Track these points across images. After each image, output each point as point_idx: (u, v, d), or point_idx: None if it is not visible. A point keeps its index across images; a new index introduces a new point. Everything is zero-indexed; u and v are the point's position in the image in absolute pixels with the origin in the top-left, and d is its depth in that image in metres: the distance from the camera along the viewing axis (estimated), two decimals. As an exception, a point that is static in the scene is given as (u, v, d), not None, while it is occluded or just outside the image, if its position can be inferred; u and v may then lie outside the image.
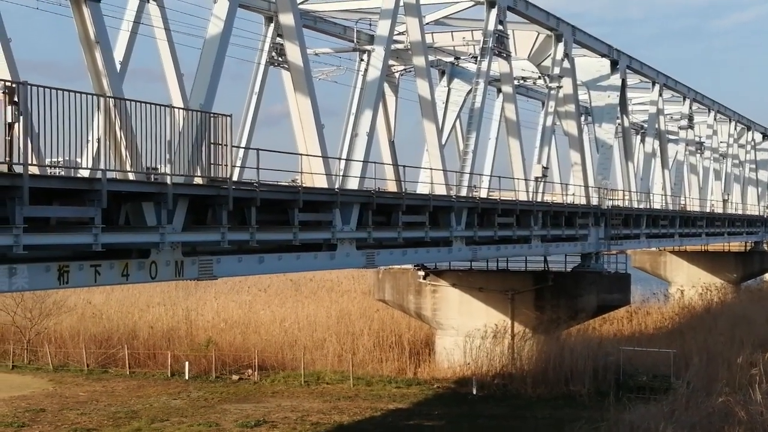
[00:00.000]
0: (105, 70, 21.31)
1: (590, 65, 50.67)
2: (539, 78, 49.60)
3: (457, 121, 48.57)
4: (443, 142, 38.46)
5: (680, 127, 67.42)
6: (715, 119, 74.71)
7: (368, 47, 39.27)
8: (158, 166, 20.19)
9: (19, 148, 16.74)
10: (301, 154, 27.80)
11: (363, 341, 49.03)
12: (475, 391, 41.78)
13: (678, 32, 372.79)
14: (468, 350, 45.14)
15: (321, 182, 27.26)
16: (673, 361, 41.90)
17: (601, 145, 51.23)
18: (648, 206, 57.95)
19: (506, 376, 43.27)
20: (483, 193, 39.38)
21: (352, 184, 29.23)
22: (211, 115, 21.48)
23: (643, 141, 68.40)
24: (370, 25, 40.85)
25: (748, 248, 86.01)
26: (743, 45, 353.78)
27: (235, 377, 46.02)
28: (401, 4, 31.71)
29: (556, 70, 43.85)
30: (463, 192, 35.58)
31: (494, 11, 37.19)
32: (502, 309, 46.01)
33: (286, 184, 26.85)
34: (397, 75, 46.27)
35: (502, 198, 38.15)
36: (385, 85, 39.43)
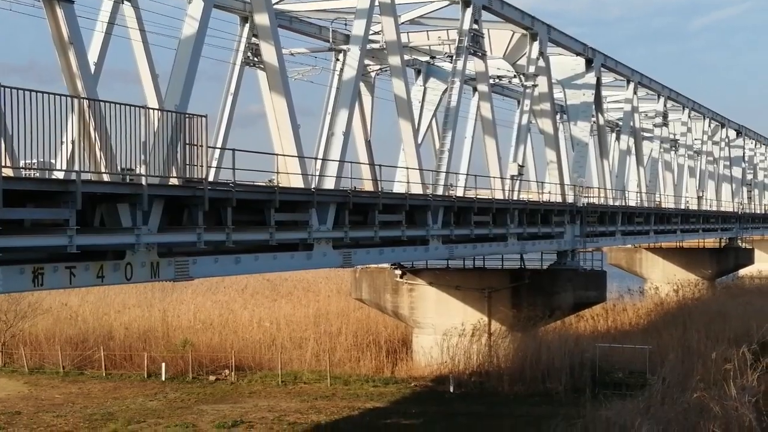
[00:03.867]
0: (79, 71, 21.24)
1: (565, 64, 50.88)
2: (514, 77, 49.75)
3: (433, 120, 48.66)
4: (419, 141, 38.54)
5: (655, 125, 67.78)
6: (689, 117, 75.15)
7: (344, 47, 39.28)
8: (133, 167, 20.15)
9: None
10: (277, 154, 27.81)
11: (340, 341, 49.04)
12: (452, 390, 41.85)
13: (656, 31, 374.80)
14: (445, 348, 45.21)
15: (297, 182, 27.28)
16: (648, 357, 42.15)
17: (576, 143, 51.44)
18: (623, 203, 58.26)
19: (483, 374, 43.37)
20: (459, 192, 39.45)
21: (329, 183, 29.27)
22: (186, 115, 21.44)
23: (618, 139, 68.72)
24: (346, 24, 40.87)
25: (723, 245, 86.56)
26: (719, 44, 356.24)
27: (212, 378, 45.89)
28: (376, 3, 31.79)
29: (532, 69, 44.01)
30: (440, 191, 35.67)
31: (469, 10, 37.28)
32: (479, 307, 46.13)
33: (263, 184, 26.85)
34: (372, 74, 46.30)
35: (478, 196, 38.26)
36: (361, 84, 39.45)
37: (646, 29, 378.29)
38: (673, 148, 72.81)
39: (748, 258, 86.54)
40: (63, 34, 20.83)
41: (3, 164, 16.88)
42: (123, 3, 29.35)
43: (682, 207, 71.70)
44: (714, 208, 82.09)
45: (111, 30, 28.09)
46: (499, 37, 45.05)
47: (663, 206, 67.24)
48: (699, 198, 78.05)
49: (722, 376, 31.05)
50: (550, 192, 46.85)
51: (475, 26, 37.83)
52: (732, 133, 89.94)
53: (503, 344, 44.86)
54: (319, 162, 30.49)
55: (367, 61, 41.73)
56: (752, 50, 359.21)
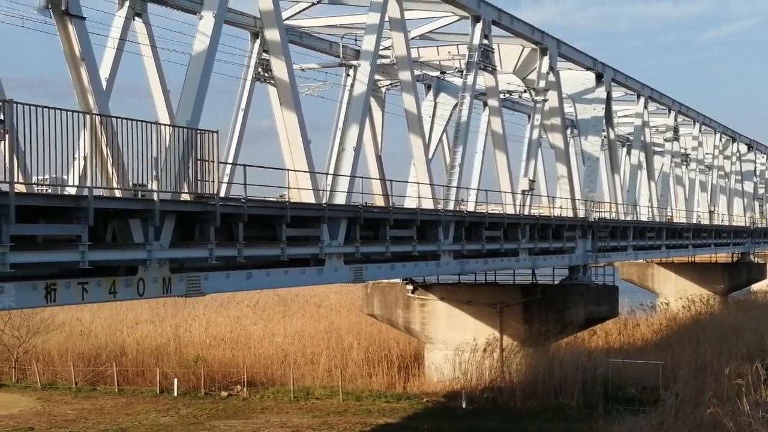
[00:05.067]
0: (91, 87, 21.31)
1: (575, 78, 50.83)
2: (525, 91, 49.78)
3: (444, 134, 48.69)
4: (430, 156, 38.54)
5: (666, 139, 67.66)
6: (700, 131, 74.95)
7: (354, 62, 39.35)
8: (145, 183, 20.19)
9: (5, 166, 16.72)
10: (288, 170, 27.80)
11: (352, 356, 48.98)
12: (464, 405, 41.74)
13: (665, 45, 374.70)
14: (457, 364, 45.12)
15: (308, 197, 27.27)
16: (661, 372, 41.96)
17: (587, 157, 51.38)
18: (635, 218, 58.12)
19: (496, 389, 43.27)
20: (470, 207, 39.42)
21: (340, 198, 29.26)
22: (198, 131, 21.48)
23: (629, 153, 68.55)
24: (356, 40, 40.98)
25: (735, 259, 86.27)
26: (728, 57, 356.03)
27: (224, 393, 45.89)
28: (387, 19, 31.81)
29: (542, 84, 44.02)
30: (451, 206, 35.64)
31: (479, 26, 37.32)
32: (491, 322, 46.03)
33: (274, 199, 26.88)
34: (383, 90, 46.40)
35: (489, 211, 38.24)
36: (372, 99, 39.50)
37: (655, 42, 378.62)
38: (685, 163, 72.61)
39: (760, 272, 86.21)
40: (75, 50, 20.90)
41: (15, 180, 16.92)
42: (134, 19, 29.53)
43: (694, 222, 71.48)
44: (726, 223, 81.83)
45: (122, 46, 28.23)
46: (509, 51, 45.08)
47: (675, 221, 67.04)
48: (711, 213, 77.80)
49: (735, 392, 30.87)
50: (561, 207, 46.79)
51: (485, 41, 37.85)
52: (743, 147, 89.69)
53: (515, 359, 44.76)
54: (330, 177, 30.50)
55: (377, 77, 41.81)
56: (764, 62, 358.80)
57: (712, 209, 78.94)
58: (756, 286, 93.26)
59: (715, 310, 71.90)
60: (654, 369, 42.87)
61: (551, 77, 44.64)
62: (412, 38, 39.03)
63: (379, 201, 38.79)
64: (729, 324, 56.92)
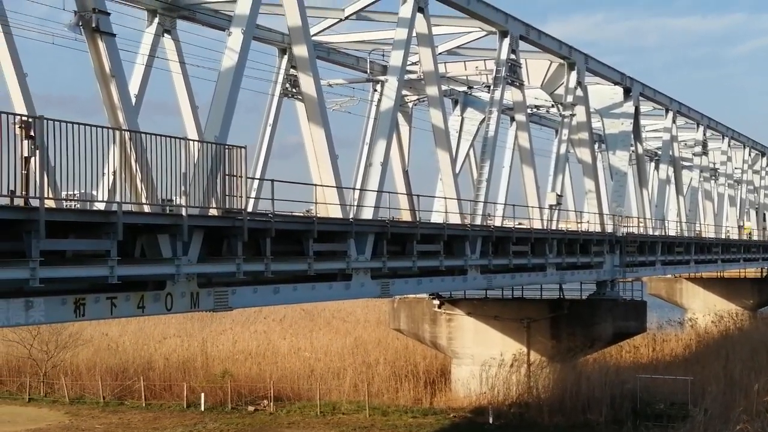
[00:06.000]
0: (120, 103, 21.46)
1: (603, 93, 50.70)
2: (552, 106, 49.68)
3: (471, 149, 48.65)
4: (457, 171, 38.52)
5: (694, 154, 67.29)
6: (729, 145, 74.55)
7: (381, 78, 39.38)
8: (173, 198, 20.29)
9: (35, 181, 16.86)
10: (315, 185, 27.87)
11: (378, 371, 48.91)
12: (491, 421, 41.59)
13: (694, 59, 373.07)
14: (484, 379, 44.96)
15: (335, 212, 27.30)
16: (690, 388, 41.66)
17: (615, 172, 51.20)
18: (663, 233, 57.80)
19: (523, 405, 43.07)
20: (497, 222, 39.34)
21: (367, 213, 29.27)
22: (226, 146, 21.58)
23: (657, 168, 68.28)
24: (383, 55, 41.04)
25: (765, 274, 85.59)
26: (757, 71, 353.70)
27: (250, 408, 45.92)
28: (414, 34, 31.85)
29: (569, 98, 43.94)
30: (478, 220, 35.59)
31: (507, 41, 37.33)
32: (518, 337, 45.87)
33: (301, 214, 26.93)
34: (410, 105, 46.44)
35: (516, 226, 38.12)
36: (399, 114, 39.54)
37: (684, 56, 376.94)
38: (713, 177, 72.22)
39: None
40: (105, 66, 21.06)
41: (45, 195, 17.05)
42: (164, 36, 29.75)
43: (723, 236, 71.00)
44: (755, 238, 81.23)
45: (152, 62, 28.43)
46: (536, 66, 45.05)
47: (703, 236, 66.64)
48: (740, 227, 77.18)
49: (765, 408, 30.67)
50: (588, 221, 46.62)
51: (513, 56, 37.85)
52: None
53: (543, 375, 44.55)
54: (357, 192, 30.54)
55: (404, 92, 41.83)
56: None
57: (741, 224, 78.37)
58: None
59: (744, 326, 71.32)
60: (683, 385, 42.56)
61: (579, 92, 44.56)
62: (440, 53, 39.04)
63: (406, 216, 38.79)
64: (758, 339, 56.46)
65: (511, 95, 39.39)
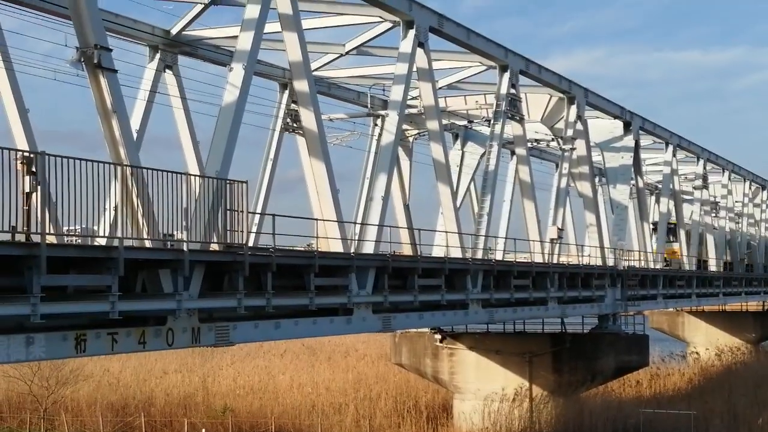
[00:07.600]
0: (122, 138, 21.49)
1: (603, 127, 50.83)
2: (552, 140, 49.76)
3: (472, 183, 48.69)
4: (458, 205, 38.53)
5: (695, 187, 67.36)
6: (729, 179, 74.64)
7: (382, 112, 39.53)
8: (174, 233, 20.28)
9: (36, 217, 16.86)
10: (316, 219, 27.88)
11: (380, 406, 48.69)
12: (494, 456, 41.35)
13: (697, 93, 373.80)
14: (486, 414, 44.72)
15: (336, 247, 27.28)
16: (693, 423, 41.44)
17: (615, 206, 51.22)
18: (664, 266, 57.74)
19: (525, 439, 42.85)
20: (498, 256, 39.31)
21: (368, 248, 29.25)
22: (227, 181, 21.61)
23: (657, 201, 68.29)
24: (384, 90, 41.20)
25: (766, 308, 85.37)
26: (759, 105, 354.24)
27: (252, 444, 45.69)
28: (414, 69, 31.97)
29: (570, 132, 44.05)
30: (479, 254, 35.57)
31: (507, 75, 37.47)
32: (520, 371, 45.67)
33: (302, 249, 26.91)
34: (411, 139, 46.53)
35: (517, 260, 38.11)
36: (399, 149, 39.63)
37: (687, 90, 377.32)
38: (714, 211, 72.22)
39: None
40: (106, 102, 21.10)
41: (47, 231, 17.05)
42: (165, 71, 29.86)
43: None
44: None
45: (153, 98, 28.52)
46: (536, 100, 45.19)
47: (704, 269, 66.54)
48: (741, 260, 77.07)
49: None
50: (590, 255, 46.59)
51: (513, 90, 37.98)
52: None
53: (545, 410, 44.33)
54: (358, 226, 30.53)
55: (405, 126, 41.95)
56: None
57: (743, 257, 78.26)
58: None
59: (747, 359, 71.12)
60: (686, 419, 42.34)
61: (579, 126, 44.68)
62: (440, 88, 39.19)
63: (407, 250, 38.77)
64: (761, 373, 56.30)
65: (512, 129, 39.47)
